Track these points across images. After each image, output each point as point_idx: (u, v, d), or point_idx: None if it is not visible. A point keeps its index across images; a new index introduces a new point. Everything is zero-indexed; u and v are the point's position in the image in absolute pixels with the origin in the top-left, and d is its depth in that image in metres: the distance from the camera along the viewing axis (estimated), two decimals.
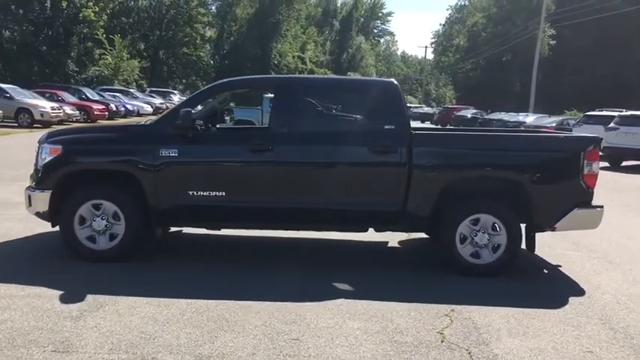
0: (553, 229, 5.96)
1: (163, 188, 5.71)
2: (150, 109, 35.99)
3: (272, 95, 6.11)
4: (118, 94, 34.29)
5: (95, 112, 27.57)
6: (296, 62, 66.17)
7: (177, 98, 42.44)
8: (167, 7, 57.24)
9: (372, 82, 7.35)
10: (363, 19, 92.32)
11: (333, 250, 6.86)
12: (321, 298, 5.01)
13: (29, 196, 5.82)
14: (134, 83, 49.39)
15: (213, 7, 65.91)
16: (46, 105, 23.17)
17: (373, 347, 4.08)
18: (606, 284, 5.82)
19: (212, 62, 61.42)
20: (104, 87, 39.23)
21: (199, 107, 6.51)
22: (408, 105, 60.99)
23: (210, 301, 4.82)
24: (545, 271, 6.38)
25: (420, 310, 4.83)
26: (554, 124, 24.31)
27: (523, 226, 5.98)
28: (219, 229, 6.35)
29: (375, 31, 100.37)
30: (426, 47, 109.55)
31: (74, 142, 5.93)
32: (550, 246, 7.27)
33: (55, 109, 23.26)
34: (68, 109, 24.88)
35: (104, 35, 46.90)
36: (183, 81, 63.15)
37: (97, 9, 49.23)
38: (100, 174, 5.88)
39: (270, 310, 4.69)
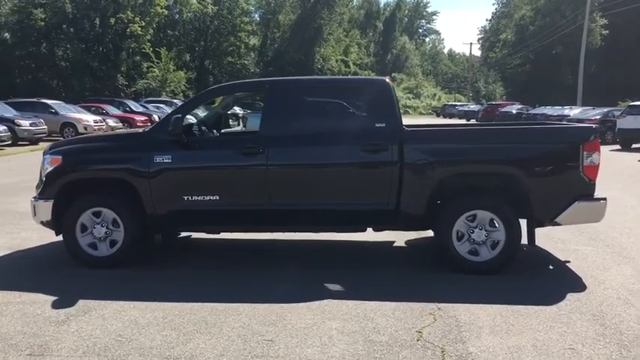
0: (554, 224, 5.77)
1: (159, 194, 5.82)
2: (193, 119, 36.63)
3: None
4: (161, 105, 35.09)
5: (138, 124, 28.32)
6: (339, 65, 66.22)
7: None
8: (211, 18, 58.26)
9: (362, 81, 7.33)
10: (407, 19, 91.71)
11: (335, 250, 6.84)
12: (308, 299, 5.00)
13: (34, 206, 6.04)
14: (181, 94, 50.46)
15: (257, 16, 66.70)
16: (89, 119, 24.01)
17: (345, 347, 4.05)
18: (612, 279, 5.59)
19: (257, 70, 62.06)
20: (149, 99, 40.22)
21: (204, 112, 6.61)
22: (454, 103, 60.25)
23: (195, 304, 4.88)
24: (551, 267, 6.19)
25: (405, 310, 4.76)
26: (598, 117, 23.47)
27: (524, 221, 5.81)
28: (218, 233, 6.41)
29: (420, 30, 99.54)
30: (471, 44, 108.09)
31: (73, 152, 6.12)
32: (565, 241, 7.07)
33: (97, 122, 24.08)
34: (111, 122, 25.67)
35: (151, 49, 48.16)
36: None
37: (144, 24, 50.64)
38: (98, 182, 6.04)
39: (252, 311, 4.72)
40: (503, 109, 37.85)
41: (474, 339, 4.19)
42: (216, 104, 7.55)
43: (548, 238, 7.03)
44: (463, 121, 46.52)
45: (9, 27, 50.45)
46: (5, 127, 19.48)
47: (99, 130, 23.85)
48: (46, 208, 5.93)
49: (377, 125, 5.78)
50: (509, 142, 5.78)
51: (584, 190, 5.63)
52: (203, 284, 5.49)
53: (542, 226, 5.86)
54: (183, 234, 7.30)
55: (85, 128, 23.32)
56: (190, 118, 6.47)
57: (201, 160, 5.96)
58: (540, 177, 5.63)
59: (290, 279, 5.65)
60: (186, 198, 5.83)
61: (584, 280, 5.56)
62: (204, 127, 6.55)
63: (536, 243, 6.68)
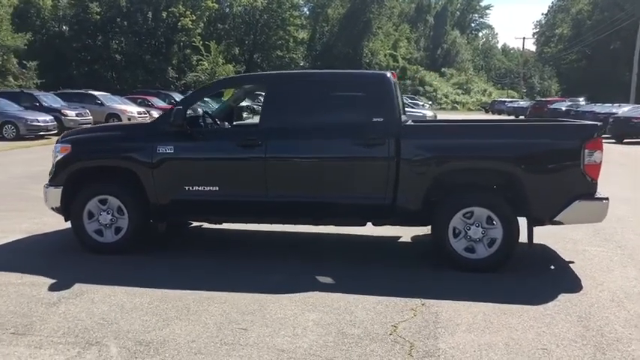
0: (555, 223, 5.65)
1: (161, 184, 5.98)
2: (199, 111, 37.12)
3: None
4: (207, 99, 35.63)
5: None
6: (387, 60, 65.82)
7: None
8: (261, 12, 58.82)
9: (362, 75, 7.24)
10: (458, 13, 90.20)
11: (338, 243, 6.86)
12: (294, 290, 5.06)
13: (45, 193, 6.29)
14: None
15: (306, 9, 66.98)
16: (133, 110, 24.73)
17: (315, 338, 4.09)
18: (612, 281, 5.44)
19: (305, 64, 62.34)
20: None
21: (220, 106, 6.72)
22: (503, 100, 59.01)
23: (184, 291, 5.01)
24: (552, 267, 6.06)
25: (388, 304, 4.77)
26: None
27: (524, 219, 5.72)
28: (220, 223, 6.54)
29: (473, 25, 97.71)
30: (524, 38, 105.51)
31: (81, 141, 6.35)
32: (577, 241, 6.90)
33: (141, 114, 24.75)
34: (155, 113, 26.27)
35: (201, 42, 48.96)
36: None
37: (195, 17, 51.53)
38: (105, 171, 6.25)
39: (236, 300, 4.82)
40: (552, 106, 36.82)
41: (448, 335, 4.17)
42: (228, 97, 7.66)
43: (559, 238, 6.89)
44: (511, 118, 45.58)
45: (67, 20, 52.22)
46: (52, 117, 20.27)
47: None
48: (56, 194, 6.17)
49: (374, 120, 5.78)
50: (508, 138, 5.69)
51: (584, 189, 5.49)
52: (198, 272, 5.62)
53: (542, 224, 5.74)
54: (195, 223, 7.46)
55: (129, 119, 24.01)
56: (196, 110, 6.58)
57: (202, 151, 6.09)
58: (539, 174, 5.52)
59: (284, 270, 5.72)
60: (187, 188, 5.97)
61: (582, 281, 5.43)
62: (209, 119, 6.66)
63: (547, 242, 6.68)
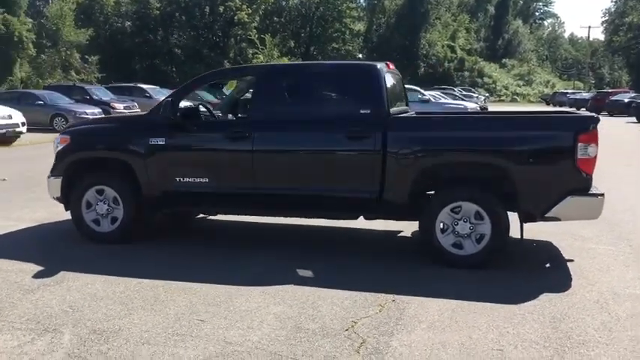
0: (547, 219, 5.40)
1: (153, 175, 6.08)
2: (193, 103, 37.30)
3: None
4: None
5: None
6: (445, 51, 64.54)
7: None
8: (317, 4, 58.90)
9: (351, 66, 7.11)
10: (521, 2, 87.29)
11: (332, 237, 6.82)
12: (270, 283, 5.04)
13: (47, 183, 6.50)
14: None
15: (362, 1, 66.55)
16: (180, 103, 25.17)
17: (268, 332, 4.06)
18: (606, 282, 5.17)
19: (361, 56, 62.01)
20: None
21: (226, 98, 6.75)
22: (564, 91, 56.87)
23: (160, 281, 5.08)
24: (548, 265, 5.80)
25: (358, 299, 4.69)
26: None
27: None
28: (215, 214, 6.58)
29: (537, 14, 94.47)
30: (589, 27, 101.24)
31: (80, 133, 6.54)
32: (586, 239, 6.60)
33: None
34: (202, 107, 26.71)
35: (256, 35, 49.49)
36: None
37: (251, 11, 52.10)
38: (101, 162, 6.39)
39: (207, 291, 4.84)
40: (613, 98, 35.28)
41: (405, 333, 4.06)
42: (233, 89, 7.70)
43: (569, 235, 6.62)
44: (572, 110, 43.91)
45: (128, 16, 53.82)
46: (100, 110, 20.95)
47: None
48: (57, 184, 6.38)
49: (362, 112, 5.67)
50: (497, 130, 5.48)
51: (578, 184, 5.22)
52: (183, 262, 5.71)
53: (534, 220, 5.50)
54: (201, 215, 7.55)
55: None
56: (191, 102, 6.65)
57: (193, 143, 6.16)
58: (530, 168, 5.28)
59: (267, 262, 5.71)
60: (178, 179, 6.04)
61: (573, 281, 5.18)
62: (204, 110, 6.70)
63: (555, 239, 6.43)
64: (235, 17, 51.76)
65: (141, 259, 5.82)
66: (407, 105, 6.97)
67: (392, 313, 4.43)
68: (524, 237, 5.56)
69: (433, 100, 22.31)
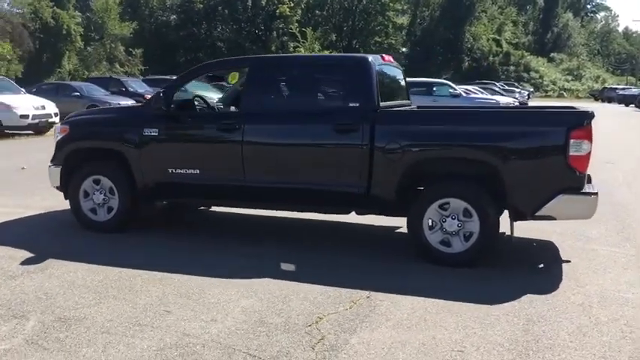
0: (537, 218, 5.21)
1: (147, 166, 6.13)
2: (189, 95, 37.30)
3: None
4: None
5: None
6: (490, 45, 63.19)
7: None
8: None
9: (341, 59, 7.06)
10: None
11: (327, 231, 6.75)
12: (248, 276, 5.01)
13: (48, 172, 6.63)
14: None
15: None
16: (214, 96, 25.35)
17: (229, 325, 4.03)
18: (597, 284, 4.95)
19: (404, 50, 61.41)
20: None
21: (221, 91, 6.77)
22: (614, 87, 54.97)
23: (140, 270, 5.11)
24: (541, 265, 5.59)
25: (331, 294, 4.61)
26: None
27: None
28: (209, 207, 6.59)
29: (588, 7, 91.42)
30: None
31: (78, 123, 6.63)
32: (590, 240, 6.36)
33: None
34: None
35: (297, 29, 49.56)
36: None
37: (292, 4, 52.21)
38: (98, 152, 6.47)
39: (184, 282, 4.85)
40: None
41: (368, 331, 3.97)
42: (235, 82, 7.68)
43: (573, 235, 6.43)
44: (622, 106, 42.56)
45: (173, 9, 54.69)
46: (134, 102, 21.29)
47: None
48: (56, 173, 6.49)
49: (350, 105, 5.58)
50: (487, 125, 5.29)
51: (570, 182, 5.01)
52: (169, 253, 5.72)
53: (524, 219, 5.31)
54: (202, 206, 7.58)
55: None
56: (186, 94, 6.67)
57: (185, 134, 6.18)
58: (519, 165, 5.09)
59: (253, 254, 5.67)
60: (170, 170, 6.07)
61: (563, 283, 4.97)
62: (200, 102, 6.70)
63: (558, 238, 6.27)
64: (277, 10, 51.97)
65: (131, 248, 5.87)
66: (408, 99, 6.82)
67: (362, 310, 4.34)
68: (531, 236, 5.47)
69: (464, 95, 21.86)
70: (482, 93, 25.97)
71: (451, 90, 21.30)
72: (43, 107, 16.64)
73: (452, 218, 5.27)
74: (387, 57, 6.16)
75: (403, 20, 62.45)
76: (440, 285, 4.87)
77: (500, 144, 5.12)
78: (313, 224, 6.89)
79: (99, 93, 21.58)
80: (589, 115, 5.05)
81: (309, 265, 5.40)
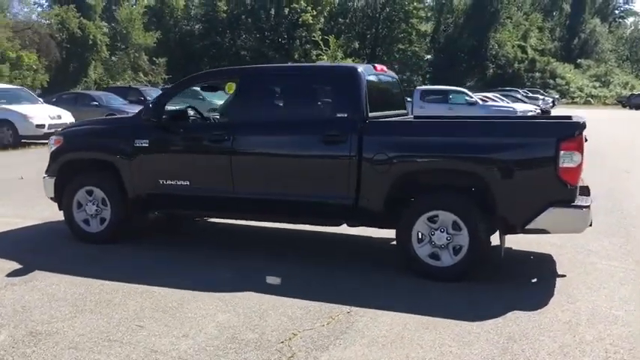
0: (528, 232, 5.04)
1: (138, 177, 6.11)
2: (181, 106, 37.21)
3: None
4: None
5: None
6: (515, 51, 62.46)
7: None
8: (383, 5, 58.46)
9: (329, 69, 6.87)
10: (600, 0, 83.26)
11: (320, 245, 6.63)
12: (230, 290, 4.94)
13: (43, 182, 6.65)
14: None
15: (430, 0, 65.37)
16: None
17: (200, 341, 3.96)
18: (589, 301, 4.75)
19: (428, 57, 61.08)
20: None
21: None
22: (636, 93, 53.77)
23: (122, 284, 5.06)
24: (534, 280, 5.41)
25: (312, 309, 4.51)
26: None
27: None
28: (201, 218, 6.54)
29: (617, 12, 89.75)
30: None
31: (71, 134, 6.65)
32: (592, 253, 6.15)
33: None
34: None
35: (320, 37, 49.60)
36: (402, 77, 63.95)
37: (315, 13, 52.33)
38: (91, 163, 6.48)
39: (165, 296, 4.79)
40: None
41: (340, 348, 3.87)
42: (232, 92, 7.63)
43: (574, 249, 6.23)
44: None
45: (197, 19, 55.27)
46: None
47: None
48: (51, 184, 6.52)
49: (338, 115, 5.48)
50: (475, 136, 5.14)
51: (560, 194, 4.84)
52: (157, 265, 5.66)
53: (514, 232, 5.15)
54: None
55: None
56: (178, 105, 6.64)
57: (175, 145, 6.14)
58: (508, 177, 4.93)
59: (242, 267, 5.59)
60: (161, 182, 6.04)
61: (553, 298, 4.79)
62: (193, 113, 6.64)
63: (557, 252, 6.11)
64: (300, 19, 52.12)
65: (120, 260, 5.84)
66: (404, 108, 6.71)
67: (339, 325, 4.23)
68: (530, 249, 5.35)
69: (481, 103, 21.53)
70: (502, 100, 25.61)
71: (467, 98, 21.04)
72: (59, 117, 16.86)
73: (441, 231, 5.13)
74: (379, 67, 6.06)
75: (427, 27, 62.11)
76: (425, 300, 4.74)
77: (489, 155, 4.98)
78: (304, 236, 6.80)
79: (117, 102, 21.83)
80: (580, 126, 4.87)
81: (297, 278, 5.31)
